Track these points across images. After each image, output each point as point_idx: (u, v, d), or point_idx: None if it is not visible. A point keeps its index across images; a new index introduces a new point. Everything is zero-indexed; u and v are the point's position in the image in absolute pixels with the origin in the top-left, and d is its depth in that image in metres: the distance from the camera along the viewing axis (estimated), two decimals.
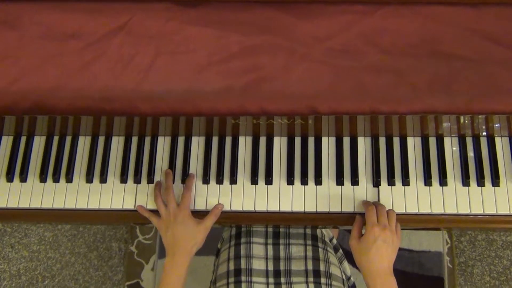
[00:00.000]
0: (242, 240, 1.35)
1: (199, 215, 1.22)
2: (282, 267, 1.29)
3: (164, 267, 1.17)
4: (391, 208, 1.21)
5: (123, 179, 1.28)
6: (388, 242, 1.12)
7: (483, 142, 1.26)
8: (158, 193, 1.23)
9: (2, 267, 2.31)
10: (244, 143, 1.29)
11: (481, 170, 1.23)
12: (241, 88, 1.09)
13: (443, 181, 1.23)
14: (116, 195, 1.28)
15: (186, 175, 1.27)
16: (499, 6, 1.12)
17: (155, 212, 1.24)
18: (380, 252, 1.11)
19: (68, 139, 1.32)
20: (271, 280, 1.27)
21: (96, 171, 1.30)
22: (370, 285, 1.11)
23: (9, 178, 1.30)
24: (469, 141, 1.26)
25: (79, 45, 1.14)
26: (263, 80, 1.10)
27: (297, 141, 1.28)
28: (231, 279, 1.27)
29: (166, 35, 1.14)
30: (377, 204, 1.19)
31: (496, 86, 1.07)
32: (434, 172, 1.24)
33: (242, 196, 1.25)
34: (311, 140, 1.28)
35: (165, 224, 1.19)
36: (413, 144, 1.27)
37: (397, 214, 1.20)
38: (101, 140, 1.32)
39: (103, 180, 1.28)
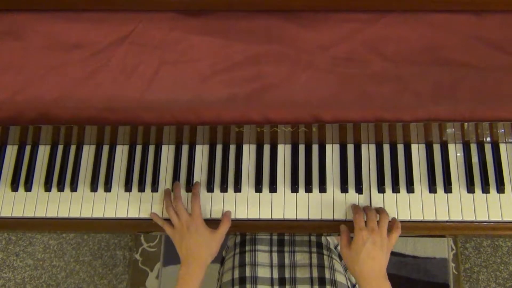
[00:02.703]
0: (247, 248, 1.35)
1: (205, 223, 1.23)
2: (287, 275, 1.29)
3: (178, 277, 1.17)
4: (396, 215, 1.21)
5: (128, 188, 1.28)
6: (378, 244, 1.11)
7: (488, 148, 1.25)
8: (169, 202, 1.23)
9: (7, 275, 2.31)
10: (248, 151, 1.29)
11: (485, 176, 1.22)
12: (245, 97, 1.10)
13: (447, 188, 1.22)
14: (121, 204, 1.28)
15: (190, 184, 1.27)
16: (502, 13, 1.12)
17: (168, 221, 1.23)
18: (371, 255, 1.10)
19: (73, 148, 1.33)
20: None
21: (101, 180, 1.30)
22: None
23: (14, 187, 1.30)
24: (473, 147, 1.26)
25: (83, 55, 1.14)
26: (267, 89, 1.10)
27: (301, 148, 1.28)
28: (236, 287, 1.26)
29: (169, 45, 1.14)
30: (366, 208, 1.19)
31: (500, 93, 1.07)
32: (439, 179, 1.23)
33: (247, 204, 1.25)
34: (315, 148, 1.28)
35: (179, 234, 1.19)
36: (418, 151, 1.26)
37: (402, 221, 1.20)
38: (105, 149, 1.32)
39: (107, 189, 1.29)
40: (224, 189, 1.27)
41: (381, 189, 1.24)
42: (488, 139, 1.24)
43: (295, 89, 1.09)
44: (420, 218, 1.22)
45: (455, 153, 1.26)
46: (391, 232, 1.16)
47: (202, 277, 1.17)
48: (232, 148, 1.30)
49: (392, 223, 1.18)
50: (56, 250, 2.32)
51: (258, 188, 1.26)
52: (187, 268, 1.16)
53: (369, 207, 1.20)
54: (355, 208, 1.19)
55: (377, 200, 1.23)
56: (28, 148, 1.33)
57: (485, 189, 1.22)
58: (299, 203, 1.25)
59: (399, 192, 1.24)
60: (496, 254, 2.19)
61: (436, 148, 1.26)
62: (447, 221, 1.22)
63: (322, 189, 1.25)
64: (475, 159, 1.25)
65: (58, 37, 1.16)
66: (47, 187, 1.30)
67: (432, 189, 1.23)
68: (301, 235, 1.38)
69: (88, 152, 1.33)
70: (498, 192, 1.22)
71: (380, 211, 1.19)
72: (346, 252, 1.15)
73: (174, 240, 1.21)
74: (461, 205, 1.22)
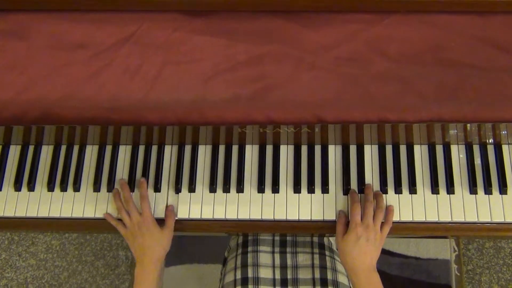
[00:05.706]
0: (249, 248, 1.35)
1: (205, 223, 1.23)
2: (289, 276, 1.29)
3: (135, 276, 1.19)
4: (398, 216, 1.21)
5: (130, 188, 1.28)
6: (371, 241, 1.14)
7: (490, 149, 1.25)
8: (120, 204, 1.24)
9: (10, 275, 2.31)
10: (251, 152, 1.29)
11: (488, 178, 1.22)
12: (248, 97, 1.10)
13: (450, 189, 1.22)
14: None
15: (193, 184, 1.27)
16: (505, 14, 1.12)
17: (121, 221, 1.24)
18: (363, 250, 1.14)
19: (76, 148, 1.33)
20: None
21: (103, 180, 1.30)
22: (355, 282, 1.14)
23: (17, 187, 1.30)
24: (476, 148, 1.26)
25: (86, 55, 1.15)
26: (269, 89, 1.10)
27: (304, 149, 1.28)
28: None
29: (173, 45, 1.14)
30: (366, 201, 1.20)
31: (503, 94, 1.07)
32: (441, 180, 1.23)
33: (249, 205, 1.25)
34: (317, 149, 1.28)
35: (131, 234, 1.21)
36: (420, 152, 1.26)
37: (404, 222, 1.21)
38: (108, 149, 1.32)
39: (110, 189, 1.29)
40: (226, 189, 1.27)
41: (383, 190, 1.24)
42: (491, 140, 1.24)
43: (298, 89, 1.09)
44: (423, 219, 1.21)
45: (457, 154, 1.26)
46: (382, 226, 1.18)
47: (158, 272, 1.20)
48: (235, 149, 1.30)
49: (386, 214, 1.20)
50: (58, 250, 2.32)
51: (261, 189, 1.26)
52: (142, 266, 1.18)
53: (370, 199, 1.20)
54: (353, 198, 1.21)
55: None
56: (31, 148, 1.34)
57: (488, 190, 1.22)
58: (302, 204, 1.25)
59: (401, 193, 1.24)
60: (498, 256, 2.18)
61: (439, 149, 1.26)
62: (449, 222, 1.21)
63: (325, 189, 1.25)
64: (477, 160, 1.25)
65: (62, 37, 1.16)
66: (50, 187, 1.30)
67: (435, 190, 1.23)
68: (304, 235, 1.38)
69: (91, 152, 1.33)
70: (500, 193, 1.22)
71: (377, 205, 1.19)
72: (340, 241, 1.17)
73: (128, 240, 1.23)
74: (464, 206, 1.21)
